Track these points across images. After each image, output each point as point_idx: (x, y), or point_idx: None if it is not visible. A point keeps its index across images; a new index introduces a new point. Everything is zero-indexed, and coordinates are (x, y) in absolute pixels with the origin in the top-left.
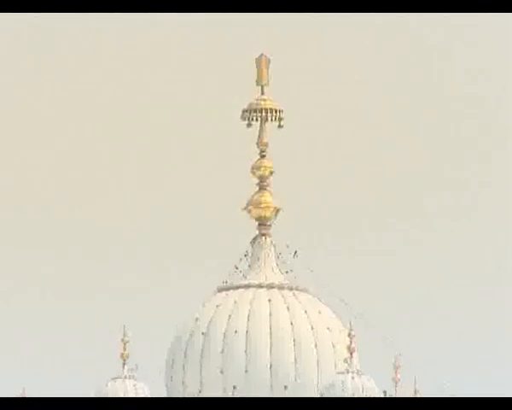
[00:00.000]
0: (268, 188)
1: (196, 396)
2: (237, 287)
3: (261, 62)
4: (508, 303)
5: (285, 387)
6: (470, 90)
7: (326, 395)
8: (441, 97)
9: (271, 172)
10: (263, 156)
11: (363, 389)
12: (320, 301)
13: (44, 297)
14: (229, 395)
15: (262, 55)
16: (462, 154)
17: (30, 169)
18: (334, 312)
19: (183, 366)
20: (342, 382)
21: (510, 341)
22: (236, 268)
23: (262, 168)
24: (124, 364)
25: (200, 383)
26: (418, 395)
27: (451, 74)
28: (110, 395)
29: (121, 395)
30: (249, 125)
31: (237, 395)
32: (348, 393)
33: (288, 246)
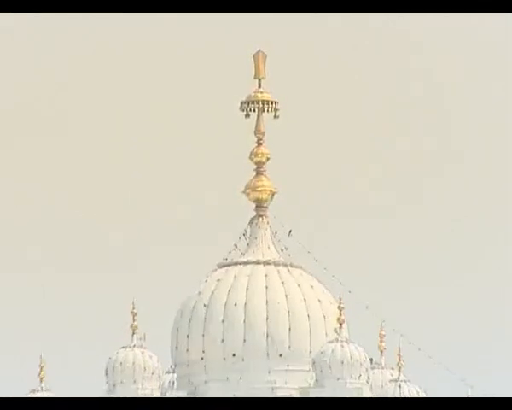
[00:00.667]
0: (265, 173)
1: (199, 362)
2: (236, 263)
3: (258, 58)
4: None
5: (280, 355)
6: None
7: (317, 361)
8: (435, 91)
9: (268, 159)
10: (260, 144)
11: (351, 356)
12: (312, 276)
13: (60, 272)
14: (229, 362)
15: (259, 51)
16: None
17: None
18: (325, 286)
19: (187, 335)
20: (332, 350)
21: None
22: (236, 246)
23: (259, 155)
24: (133, 334)
25: (203, 351)
26: (402, 362)
27: (450, 75)
28: (120, 362)
29: (130, 363)
30: (247, 115)
31: (236, 362)
32: (337, 360)
33: (283, 226)
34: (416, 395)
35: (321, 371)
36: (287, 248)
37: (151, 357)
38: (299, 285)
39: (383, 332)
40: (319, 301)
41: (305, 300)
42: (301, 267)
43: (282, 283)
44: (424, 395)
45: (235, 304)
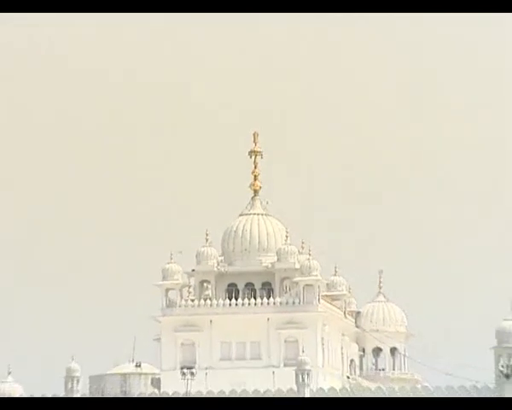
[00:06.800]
0: (258, 179)
1: (232, 252)
2: (246, 214)
3: (255, 134)
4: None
5: (263, 249)
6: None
7: (278, 252)
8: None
9: (258, 174)
10: (255, 167)
11: (291, 250)
12: (276, 220)
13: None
14: (243, 252)
15: (255, 132)
16: None
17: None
18: (281, 222)
19: (227, 242)
20: (284, 248)
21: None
22: (246, 208)
23: (255, 172)
24: (206, 241)
25: (233, 247)
26: (310, 252)
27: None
28: (200, 253)
29: (205, 254)
30: (250, 157)
31: (246, 252)
32: (286, 251)
33: (264, 200)
34: (316, 263)
35: (280, 256)
36: (266, 208)
37: (214, 251)
38: (271, 223)
39: (303, 241)
40: (279, 229)
41: (273, 229)
42: (272, 216)
43: (264, 222)
44: (317, 262)
45: (246, 230)
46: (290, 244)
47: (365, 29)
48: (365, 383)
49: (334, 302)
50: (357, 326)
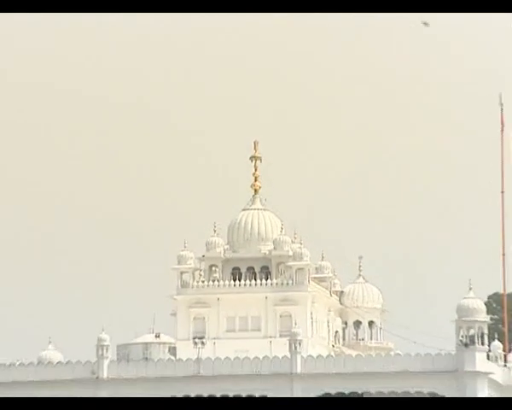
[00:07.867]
0: (258, 180)
1: (237, 239)
2: (248, 209)
3: (256, 143)
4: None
5: (262, 239)
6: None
7: (275, 241)
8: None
9: (258, 176)
10: (256, 170)
11: (286, 240)
12: (272, 213)
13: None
14: (247, 238)
15: (255, 140)
16: None
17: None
18: (275, 215)
19: (232, 233)
20: (280, 238)
21: None
22: (247, 204)
23: (255, 174)
24: (214, 231)
25: (238, 235)
26: (296, 237)
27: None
28: (211, 241)
29: (214, 243)
30: (251, 161)
31: (247, 238)
32: (281, 242)
33: (263, 197)
34: (306, 250)
35: (276, 245)
36: (264, 204)
37: (220, 240)
38: (269, 217)
39: (296, 232)
40: (275, 222)
41: (270, 219)
42: (270, 211)
43: (263, 216)
44: (307, 250)
45: (248, 223)
46: (284, 235)
47: (363, 32)
48: (347, 351)
49: (322, 283)
50: (340, 303)
